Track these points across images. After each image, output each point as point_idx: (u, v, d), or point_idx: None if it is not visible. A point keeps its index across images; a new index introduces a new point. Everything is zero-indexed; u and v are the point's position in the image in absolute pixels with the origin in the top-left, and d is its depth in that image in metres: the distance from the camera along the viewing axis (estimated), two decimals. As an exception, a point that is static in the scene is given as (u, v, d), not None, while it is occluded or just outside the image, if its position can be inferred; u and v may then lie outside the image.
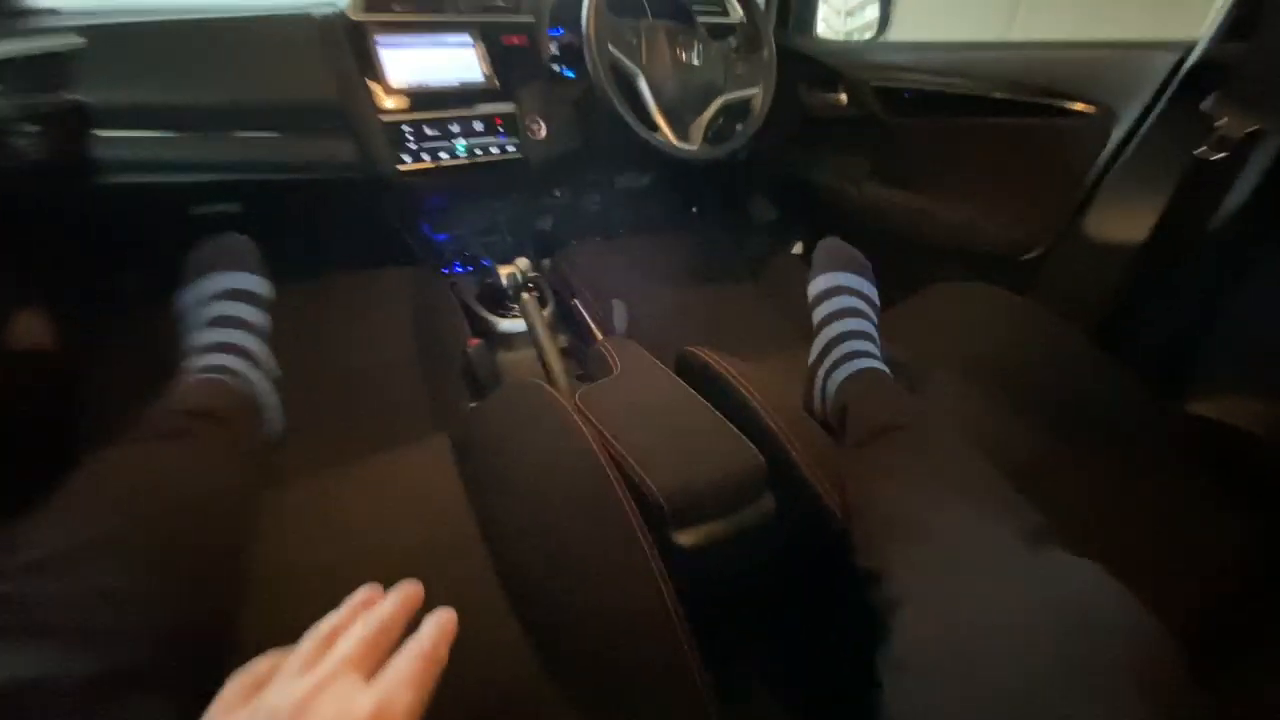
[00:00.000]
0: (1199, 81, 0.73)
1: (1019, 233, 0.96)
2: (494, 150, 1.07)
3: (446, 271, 1.24)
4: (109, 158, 0.84)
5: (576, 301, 1.09)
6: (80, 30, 0.80)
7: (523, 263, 1.06)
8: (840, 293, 0.77)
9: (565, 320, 1.16)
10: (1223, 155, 0.66)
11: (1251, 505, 0.64)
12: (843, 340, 0.71)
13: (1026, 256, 0.96)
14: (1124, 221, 0.83)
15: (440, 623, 0.31)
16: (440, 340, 0.95)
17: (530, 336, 0.87)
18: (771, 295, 1.24)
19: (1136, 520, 0.65)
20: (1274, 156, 0.66)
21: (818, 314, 0.77)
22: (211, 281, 0.71)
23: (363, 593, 0.33)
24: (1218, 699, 0.50)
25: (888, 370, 0.68)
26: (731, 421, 0.65)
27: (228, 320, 0.69)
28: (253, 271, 0.75)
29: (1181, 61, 0.77)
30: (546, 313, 1.11)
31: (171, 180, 0.91)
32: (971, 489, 0.48)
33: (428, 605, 0.33)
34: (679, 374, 0.78)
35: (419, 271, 1.12)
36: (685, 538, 0.55)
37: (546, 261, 1.28)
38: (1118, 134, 0.83)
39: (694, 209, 1.64)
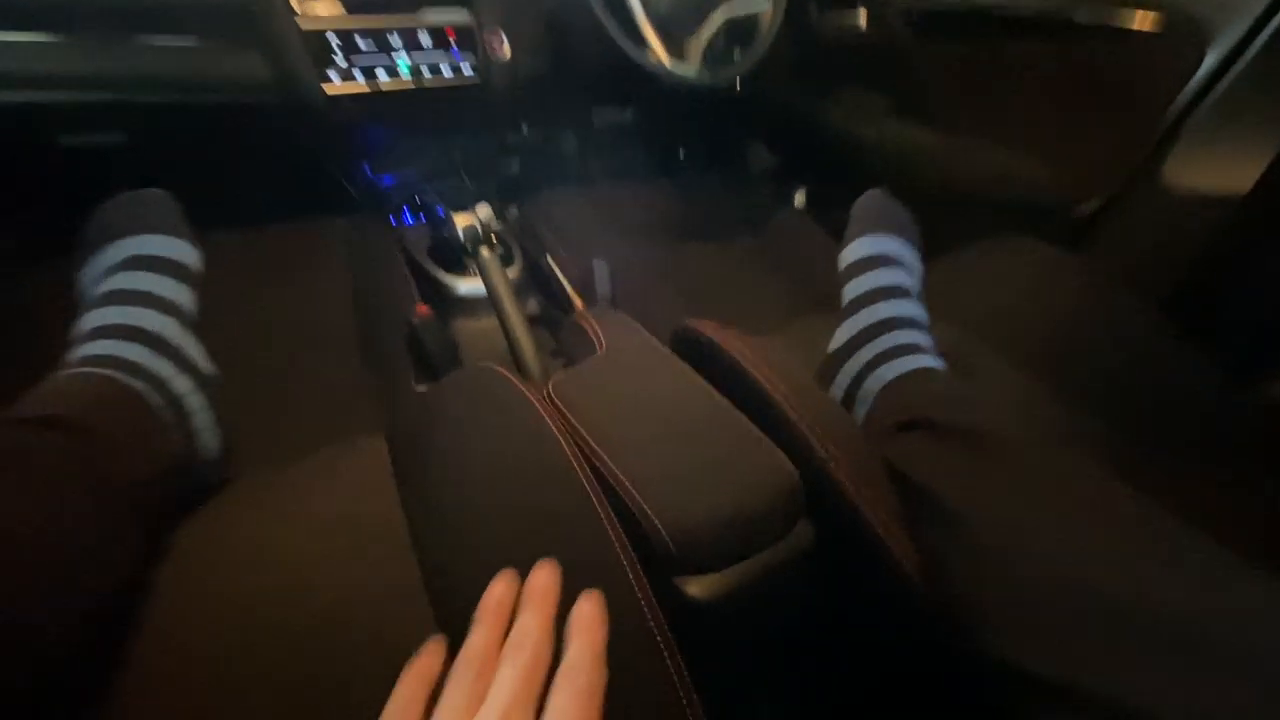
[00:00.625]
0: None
1: (1073, 180, 0.81)
2: (445, 71, 0.87)
3: (395, 223, 1.05)
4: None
5: (549, 259, 0.91)
6: None
7: (484, 211, 0.88)
8: (884, 264, 0.60)
9: (535, 282, 0.98)
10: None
11: None
12: (889, 328, 0.55)
13: (1081, 210, 0.81)
14: (1215, 169, 0.69)
15: (593, 647, 0.28)
16: (383, 308, 0.78)
17: (492, 303, 0.70)
18: (772, 255, 1.08)
19: (1205, 530, 0.53)
20: None
21: (852, 289, 0.61)
22: (113, 250, 0.52)
23: (499, 586, 0.32)
24: None
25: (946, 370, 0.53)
26: (749, 417, 0.50)
27: (127, 296, 0.50)
28: (169, 233, 0.55)
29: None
30: (512, 272, 0.94)
31: (34, 99, 0.71)
32: (1158, 538, 0.34)
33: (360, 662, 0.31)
34: (675, 352, 0.63)
35: (358, 221, 0.93)
36: (697, 587, 0.41)
37: (513, 211, 1.09)
38: (1213, 57, 0.68)
39: (681, 154, 1.45)
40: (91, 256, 0.52)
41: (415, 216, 1.06)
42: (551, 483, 0.43)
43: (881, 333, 0.55)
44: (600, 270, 0.82)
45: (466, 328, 0.87)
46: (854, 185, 1.17)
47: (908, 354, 0.52)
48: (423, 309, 0.71)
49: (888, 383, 0.51)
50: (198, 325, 0.53)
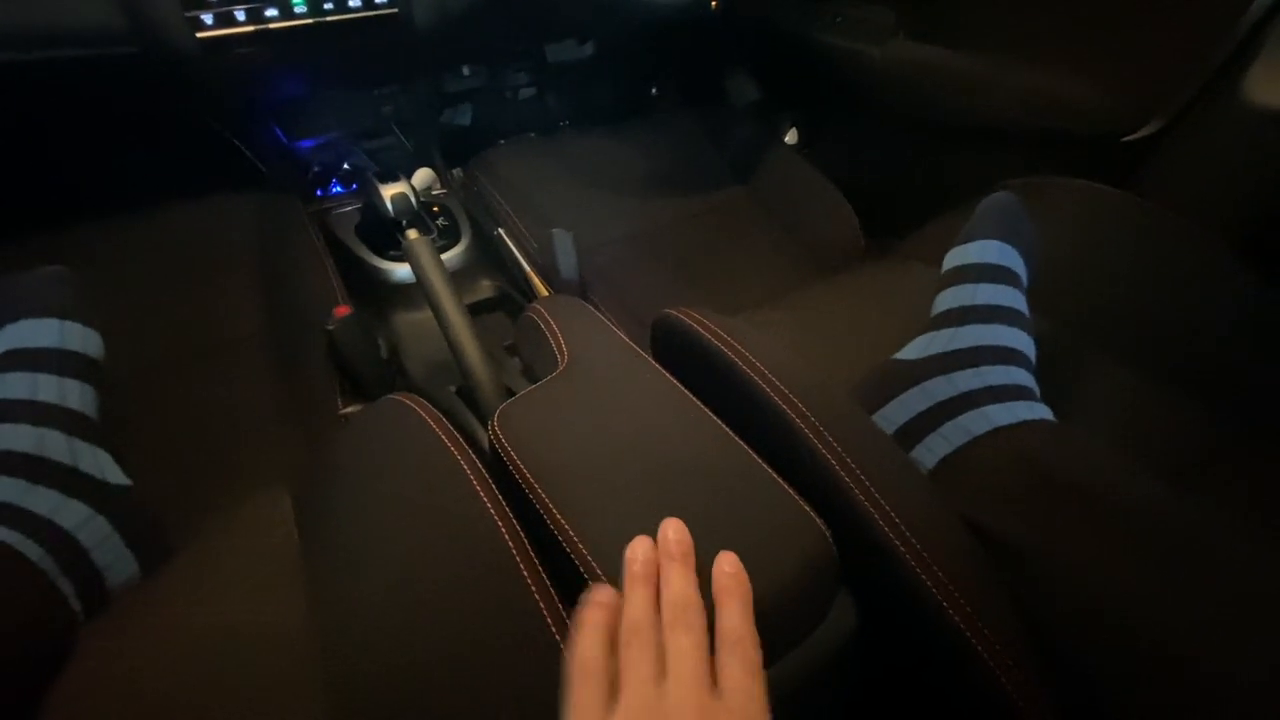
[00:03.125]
0: None
1: (1128, 100, 0.67)
2: (353, 1, 0.70)
3: (321, 194, 0.90)
4: None
5: (502, 232, 0.76)
6: None
7: (423, 177, 0.74)
8: (1011, 281, 0.48)
9: (488, 258, 0.84)
10: None
11: None
12: (1008, 360, 0.43)
13: (1132, 137, 0.68)
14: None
15: (747, 613, 0.28)
16: (300, 309, 0.64)
17: (426, 298, 0.56)
18: (763, 202, 0.94)
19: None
20: None
21: (963, 296, 0.48)
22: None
23: (643, 546, 0.30)
24: None
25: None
26: (753, 447, 0.38)
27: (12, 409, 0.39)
28: (56, 316, 0.43)
29: None
30: (456, 253, 0.79)
31: None
32: None
33: None
34: (657, 350, 0.51)
35: (270, 199, 0.77)
36: None
37: (459, 173, 0.93)
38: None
39: (653, 89, 1.27)
40: None
41: (347, 186, 0.91)
42: (472, 554, 0.32)
43: (997, 362, 0.42)
44: (562, 243, 0.68)
45: (410, 324, 0.73)
46: (854, 117, 1.03)
47: (1025, 399, 0.41)
48: (341, 310, 0.57)
49: (1000, 428, 0.38)
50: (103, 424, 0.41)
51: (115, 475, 0.41)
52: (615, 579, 0.31)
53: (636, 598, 0.29)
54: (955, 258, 0.51)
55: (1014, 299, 0.47)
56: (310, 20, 0.68)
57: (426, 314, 0.74)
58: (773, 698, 0.31)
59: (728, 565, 0.30)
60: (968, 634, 0.31)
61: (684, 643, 0.27)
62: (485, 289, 0.79)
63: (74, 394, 0.41)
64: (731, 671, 0.27)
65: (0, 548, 0.33)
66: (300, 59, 0.73)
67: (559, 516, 0.34)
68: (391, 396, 0.40)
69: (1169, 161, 0.66)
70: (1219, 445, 0.49)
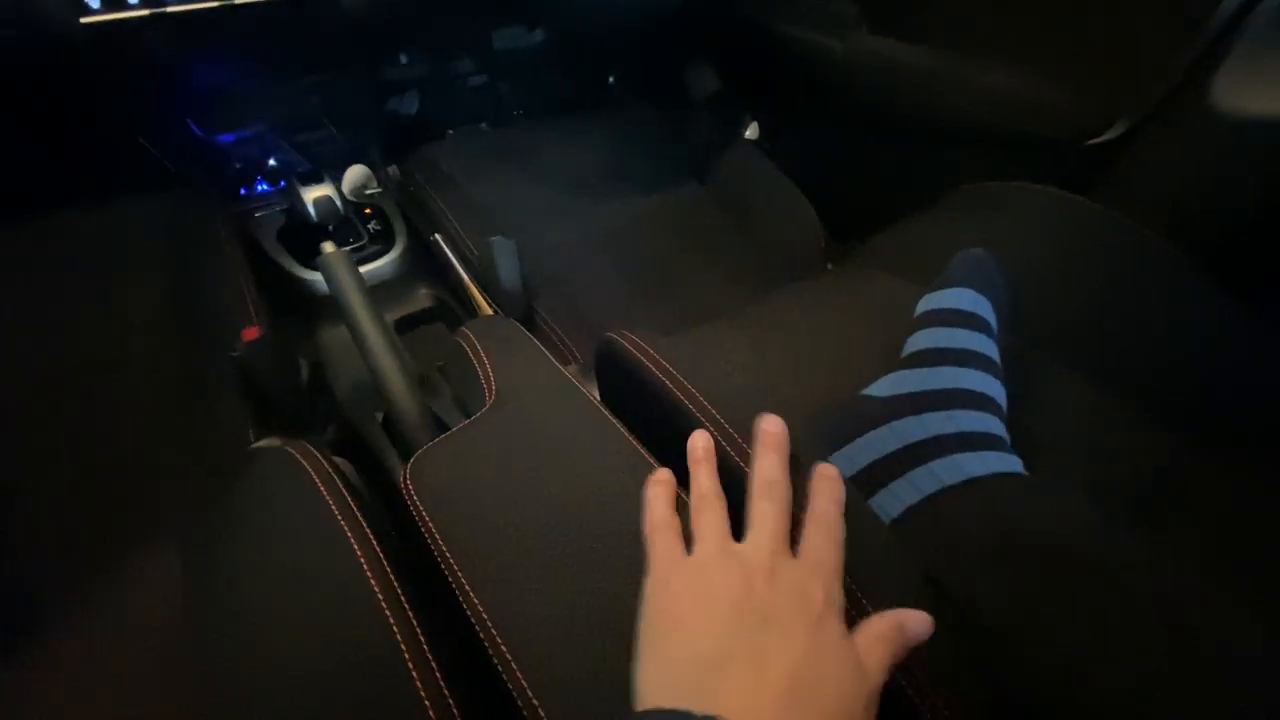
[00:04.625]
0: None
1: (1092, 103, 0.65)
2: (267, -20, 0.63)
3: (245, 193, 0.82)
4: None
5: (439, 238, 0.71)
6: None
7: (355, 175, 0.68)
8: (984, 329, 0.47)
9: (426, 266, 0.78)
10: None
11: None
12: (981, 406, 0.41)
13: (1096, 140, 0.65)
14: (1273, 89, 0.53)
15: (838, 501, 0.30)
16: (208, 324, 0.58)
17: (344, 319, 0.51)
18: (723, 202, 0.90)
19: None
20: None
21: (938, 338, 0.46)
22: None
23: (701, 439, 0.34)
24: None
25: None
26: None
27: None
28: None
29: None
30: (392, 258, 0.73)
31: None
32: None
33: None
34: (601, 374, 0.47)
35: (181, 200, 0.70)
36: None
37: (394, 170, 0.87)
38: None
39: (611, 79, 1.22)
40: None
41: (274, 184, 0.84)
42: (350, 628, 0.28)
43: (971, 407, 0.40)
44: (503, 252, 0.63)
45: (336, 340, 0.67)
46: (817, 112, 0.99)
47: (997, 449, 0.38)
48: (250, 332, 0.52)
49: (973, 480, 0.35)
50: None
51: None
52: (533, 676, 0.27)
53: (700, 474, 0.32)
54: (930, 302, 0.49)
55: (988, 347, 0.45)
56: (214, 2, 0.61)
57: (340, 330, 0.69)
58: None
59: (828, 470, 0.31)
60: (910, 693, 0.28)
61: (767, 508, 0.29)
62: (422, 299, 0.73)
63: None
64: (815, 541, 0.29)
65: None
66: (208, 46, 0.66)
67: (473, 597, 0.30)
68: (279, 447, 0.35)
69: (1134, 165, 0.64)
70: (1185, 463, 0.47)
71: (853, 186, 0.89)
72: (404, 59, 0.92)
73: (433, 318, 0.73)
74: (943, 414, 0.39)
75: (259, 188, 0.82)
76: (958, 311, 0.47)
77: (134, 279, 0.61)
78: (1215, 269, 0.54)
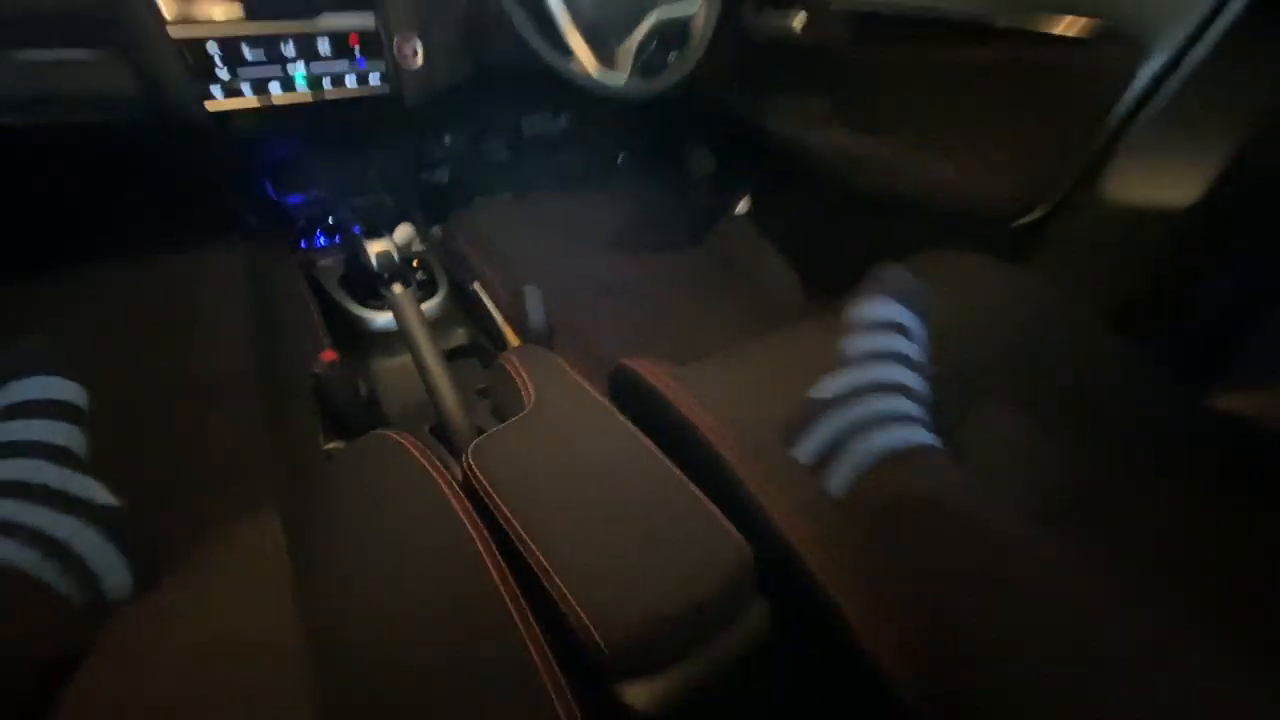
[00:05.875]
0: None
1: (1016, 190, 0.79)
2: (349, 82, 0.78)
3: (305, 245, 0.96)
4: None
5: (477, 286, 0.84)
6: None
7: (403, 233, 0.81)
8: (898, 331, 0.58)
9: (464, 309, 0.91)
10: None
11: None
12: (892, 392, 0.52)
13: (1025, 220, 0.79)
14: (1157, 180, 0.67)
15: None
16: (284, 342, 0.70)
17: (408, 346, 0.62)
18: (717, 265, 1.03)
19: (1211, 553, 0.52)
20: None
21: (857, 344, 0.57)
22: None
23: None
24: None
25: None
26: (693, 479, 0.45)
27: (16, 448, 0.44)
28: (46, 373, 0.49)
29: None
30: (436, 301, 0.86)
31: None
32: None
33: None
34: (615, 396, 0.58)
35: (258, 248, 0.83)
36: (635, 695, 0.36)
37: (437, 231, 1.01)
38: (1153, 67, 0.66)
39: (620, 159, 1.39)
40: None
41: (331, 238, 0.97)
42: (457, 578, 0.37)
43: (882, 394, 0.51)
44: (532, 297, 0.75)
45: (387, 368, 0.79)
46: (798, 190, 1.15)
47: (907, 425, 0.49)
48: (328, 355, 0.63)
49: (885, 452, 0.46)
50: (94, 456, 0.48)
51: (104, 498, 0.46)
52: (582, 601, 0.37)
53: None
54: (850, 315, 0.60)
55: (901, 345, 0.56)
56: (310, 97, 0.76)
57: (403, 359, 0.81)
58: (688, 692, 0.37)
59: None
60: (854, 625, 0.38)
61: None
62: (459, 337, 0.85)
63: (62, 434, 0.47)
64: None
65: (30, 530, 0.38)
66: (297, 129, 0.81)
67: (530, 542, 0.40)
68: (380, 431, 0.46)
69: (1054, 242, 0.78)
70: (1088, 479, 0.57)
71: (827, 251, 1.03)
72: (447, 140, 1.07)
73: (467, 354, 0.85)
74: (866, 401, 0.50)
75: (319, 241, 0.96)
76: (878, 321, 0.58)
77: (220, 309, 0.73)
78: (1114, 322, 0.67)
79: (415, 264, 0.90)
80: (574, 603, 0.37)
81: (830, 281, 0.97)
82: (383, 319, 0.82)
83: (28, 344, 0.51)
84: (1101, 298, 0.70)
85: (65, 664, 0.38)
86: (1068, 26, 0.72)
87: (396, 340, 0.80)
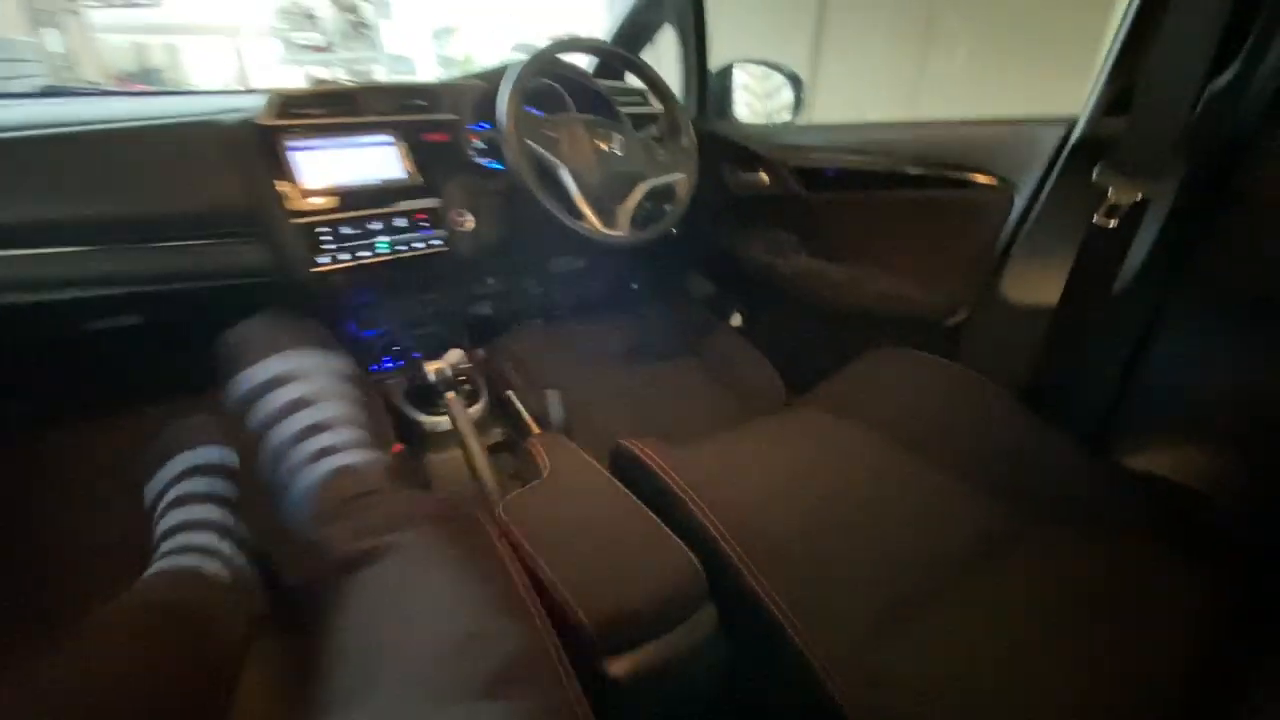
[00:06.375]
0: (1086, 154, 0.77)
1: (942, 298, 0.98)
2: (419, 245, 1.04)
3: (375, 369, 1.19)
4: (-6, 277, 0.78)
5: (510, 394, 1.04)
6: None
7: (454, 356, 1.03)
8: (283, 383, 0.72)
9: (500, 413, 1.11)
10: (1115, 223, 0.69)
11: (1196, 556, 0.63)
12: (304, 438, 0.67)
13: (951, 321, 0.97)
14: (1034, 286, 0.85)
15: None
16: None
17: (457, 438, 0.82)
18: (712, 370, 1.22)
19: (1091, 592, 0.63)
20: (1162, 220, 0.69)
21: (263, 412, 0.71)
22: (171, 465, 0.69)
23: None
24: None
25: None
26: (667, 521, 0.61)
27: (193, 498, 0.66)
28: (210, 444, 0.72)
29: (1068, 136, 0.81)
30: (477, 409, 1.06)
31: (63, 297, 0.85)
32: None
33: None
34: (615, 469, 0.74)
35: (343, 371, 1.06)
36: (619, 666, 0.50)
37: (480, 353, 1.24)
38: (1020, 203, 0.87)
39: (634, 286, 1.64)
40: (156, 471, 0.68)
41: (396, 362, 1.21)
42: (493, 594, 0.53)
43: (297, 444, 0.67)
44: (553, 399, 0.95)
45: (438, 460, 0.98)
46: (778, 306, 1.35)
47: (328, 456, 0.65)
48: (398, 447, 0.82)
49: (316, 481, 0.62)
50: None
51: (246, 532, 0.66)
52: (577, 600, 0.51)
53: None
54: (240, 388, 0.74)
55: (293, 392, 0.71)
56: (389, 256, 1.02)
57: (451, 454, 1.00)
58: (656, 664, 0.50)
59: None
60: (764, 600, 0.51)
61: None
62: (496, 435, 1.04)
63: (227, 488, 0.68)
64: None
65: (212, 578, 0.56)
66: (378, 281, 1.06)
67: (541, 564, 0.55)
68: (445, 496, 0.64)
69: (973, 338, 0.95)
70: (997, 528, 0.69)
71: (803, 354, 1.22)
72: (490, 281, 1.34)
73: (502, 449, 1.04)
74: (289, 456, 0.66)
75: (385, 364, 1.19)
76: (261, 384, 0.72)
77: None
78: (1025, 398, 0.81)
79: (463, 379, 1.12)
80: (570, 601, 0.52)
81: (804, 378, 1.15)
82: (436, 422, 1.02)
83: (195, 421, 0.72)
84: (1012, 381, 0.85)
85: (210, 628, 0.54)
86: (963, 174, 0.94)
87: (447, 439, 1.00)
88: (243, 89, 1.06)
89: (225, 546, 0.61)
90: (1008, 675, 0.54)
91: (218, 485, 0.67)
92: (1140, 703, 0.53)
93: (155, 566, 0.59)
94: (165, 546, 0.61)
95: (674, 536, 0.58)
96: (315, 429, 0.67)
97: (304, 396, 0.70)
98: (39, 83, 2.44)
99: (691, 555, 0.56)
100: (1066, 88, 0.94)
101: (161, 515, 0.64)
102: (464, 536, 0.57)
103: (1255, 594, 0.63)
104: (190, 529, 0.61)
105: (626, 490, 0.65)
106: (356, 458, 0.66)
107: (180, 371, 1.02)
